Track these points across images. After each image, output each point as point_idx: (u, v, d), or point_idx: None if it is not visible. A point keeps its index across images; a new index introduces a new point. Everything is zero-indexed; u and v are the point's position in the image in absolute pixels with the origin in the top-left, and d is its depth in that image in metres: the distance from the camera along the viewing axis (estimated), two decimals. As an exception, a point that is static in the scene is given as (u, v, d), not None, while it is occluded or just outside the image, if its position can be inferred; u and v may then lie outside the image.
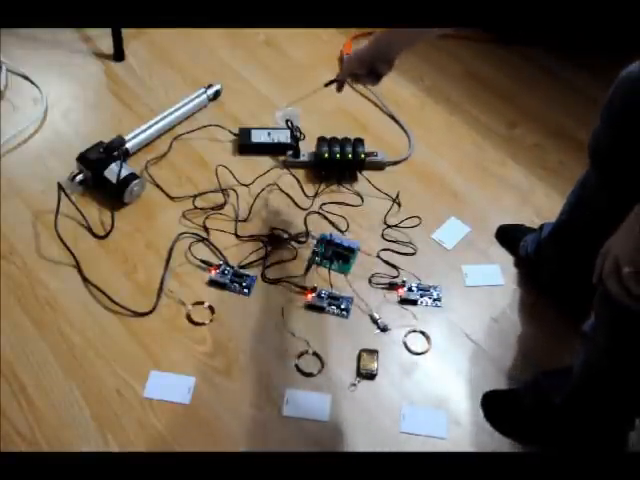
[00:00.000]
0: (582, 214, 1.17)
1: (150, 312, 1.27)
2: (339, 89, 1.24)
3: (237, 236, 1.39)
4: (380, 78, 1.17)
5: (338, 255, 1.37)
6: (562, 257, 1.25)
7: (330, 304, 1.29)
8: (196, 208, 1.43)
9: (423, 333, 1.27)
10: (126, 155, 1.47)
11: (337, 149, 1.49)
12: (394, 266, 1.36)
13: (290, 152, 1.53)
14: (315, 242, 1.39)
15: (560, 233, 1.24)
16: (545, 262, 1.30)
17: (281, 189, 1.48)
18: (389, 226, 1.43)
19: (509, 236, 1.42)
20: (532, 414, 1.13)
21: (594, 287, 1.06)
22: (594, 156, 1.06)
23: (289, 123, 1.55)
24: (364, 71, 1.16)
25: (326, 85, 1.25)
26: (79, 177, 1.44)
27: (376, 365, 1.21)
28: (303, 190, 1.48)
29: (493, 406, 1.18)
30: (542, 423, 1.12)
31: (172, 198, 1.45)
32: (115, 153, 1.44)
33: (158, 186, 1.47)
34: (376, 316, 1.28)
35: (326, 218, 1.44)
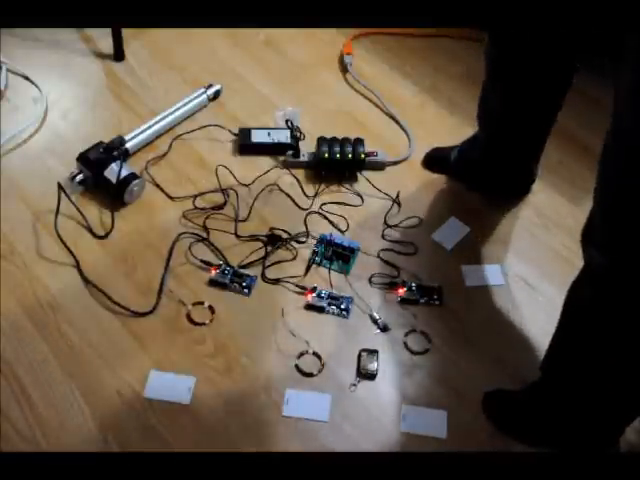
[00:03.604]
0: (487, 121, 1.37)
1: (150, 312, 1.27)
2: None
3: (237, 236, 1.39)
4: None
5: (338, 255, 1.37)
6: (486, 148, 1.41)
7: (330, 304, 1.29)
8: (196, 208, 1.43)
9: (423, 333, 1.27)
10: (126, 155, 1.47)
11: (337, 149, 1.49)
12: (394, 266, 1.36)
13: (290, 152, 1.53)
14: (315, 242, 1.39)
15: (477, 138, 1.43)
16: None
17: (281, 189, 1.48)
18: (389, 226, 1.43)
19: (437, 158, 1.52)
20: (534, 413, 1.13)
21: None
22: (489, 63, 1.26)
23: (289, 123, 1.55)
24: None
25: None
26: (79, 177, 1.44)
27: (376, 365, 1.21)
28: (303, 190, 1.48)
29: (494, 405, 1.18)
30: (543, 423, 1.12)
31: (172, 198, 1.45)
32: (115, 153, 1.44)
33: (158, 186, 1.47)
34: (376, 316, 1.28)
35: (326, 218, 1.44)
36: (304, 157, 1.53)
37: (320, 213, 1.45)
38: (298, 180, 1.50)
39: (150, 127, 1.54)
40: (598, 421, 1.08)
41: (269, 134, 1.56)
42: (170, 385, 1.18)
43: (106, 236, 1.38)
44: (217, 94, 1.67)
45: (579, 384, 1.05)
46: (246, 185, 1.48)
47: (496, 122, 1.37)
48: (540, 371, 1.11)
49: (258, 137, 1.56)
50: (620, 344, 0.95)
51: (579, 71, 1.25)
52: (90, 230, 1.38)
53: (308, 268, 1.34)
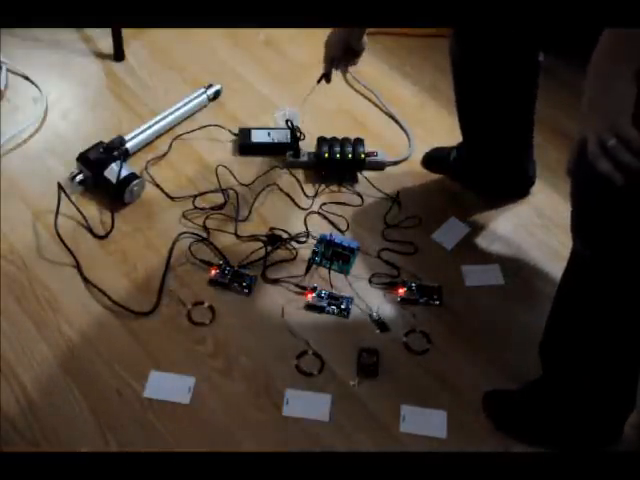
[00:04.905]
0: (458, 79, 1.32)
1: (150, 312, 1.27)
2: (328, 80, 1.34)
3: (237, 236, 1.39)
4: (357, 55, 1.31)
5: (338, 255, 1.37)
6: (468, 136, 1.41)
7: (330, 304, 1.29)
8: (196, 208, 1.43)
9: (423, 333, 1.27)
10: (126, 155, 1.47)
11: (337, 149, 1.49)
12: (394, 266, 1.36)
13: (290, 152, 1.53)
14: (315, 242, 1.39)
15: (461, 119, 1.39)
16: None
17: (281, 189, 1.48)
18: (389, 226, 1.43)
19: (436, 158, 1.51)
20: (533, 412, 1.13)
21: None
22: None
23: (289, 123, 1.55)
24: (341, 52, 1.30)
25: (318, 81, 1.33)
26: (79, 177, 1.44)
27: (376, 365, 1.21)
28: (303, 190, 1.48)
29: (493, 405, 1.18)
30: (543, 422, 1.12)
31: (172, 198, 1.45)
32: (115, 153, 1.44)
33: (158, 186, 1.47)
34: (376, 316, 1.28)
35: (326, 218, 1.44)
36: (304, 157, 1.53)
37: (320, 213, 1.45)
38: (298, 180, 1.50)
39: (150, 127, 1.55)
40: (595, 416, 1.08)
41: (269, 134, 1.56)
42: (170, 385, 1.18)
43: (106, 236, 1.38)
44: (217, 94, 1.67)
45: (573, 370, 1.06)
46: (246, 185, 1.48)
47: (473, 123, 1.38)
48: (538, 347, 1.13)
49: (258, 137, 1.56)
50: (605, 324, 0.99)
51: (579, 71, 1.25)
52: (90, 230, 1.38)
53: (308, 268, 1.34)
